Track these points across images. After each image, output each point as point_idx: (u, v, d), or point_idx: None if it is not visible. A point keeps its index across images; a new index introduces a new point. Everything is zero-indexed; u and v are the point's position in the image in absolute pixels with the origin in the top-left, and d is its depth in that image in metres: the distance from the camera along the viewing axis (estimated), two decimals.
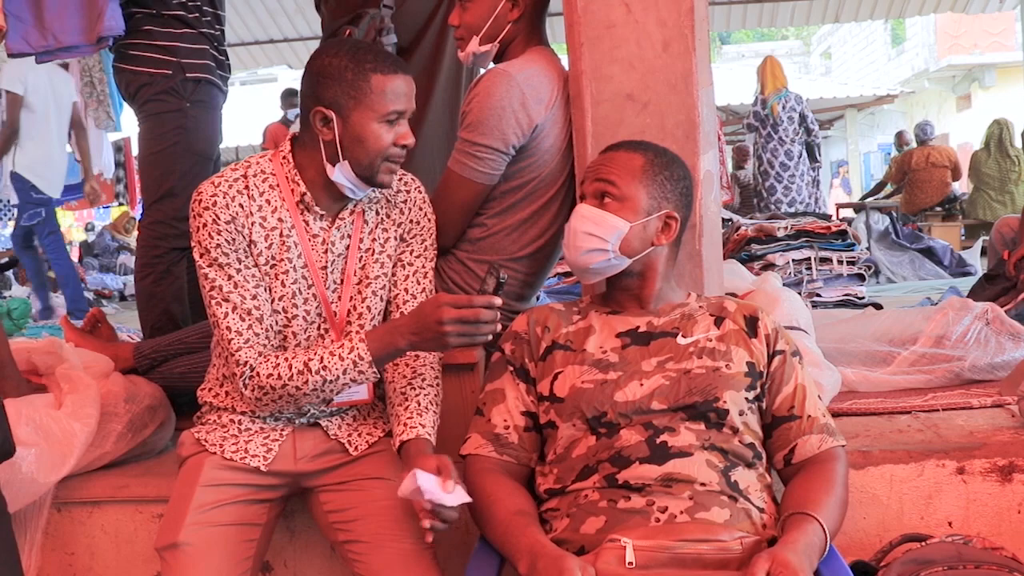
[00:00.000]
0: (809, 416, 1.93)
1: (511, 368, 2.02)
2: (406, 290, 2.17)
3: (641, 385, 1.88)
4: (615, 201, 1.96)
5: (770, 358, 1.95)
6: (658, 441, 1.82)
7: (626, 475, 1.80)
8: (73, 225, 20.19)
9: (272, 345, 2.07)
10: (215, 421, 2.16)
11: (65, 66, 8.30)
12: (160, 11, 3.24)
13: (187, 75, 3.24)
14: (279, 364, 1.99)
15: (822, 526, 1.72)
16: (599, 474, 1.83)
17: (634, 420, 1.85)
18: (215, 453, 2.10)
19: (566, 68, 2.52)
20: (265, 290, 2.07)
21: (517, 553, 1.73)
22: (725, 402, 1.85)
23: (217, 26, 3.43)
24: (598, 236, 1.95)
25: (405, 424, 2.03)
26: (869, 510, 2.31)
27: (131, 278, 11.56)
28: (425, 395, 2.09)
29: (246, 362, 2.00)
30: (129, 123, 10.07)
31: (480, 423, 2.01)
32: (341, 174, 2.03)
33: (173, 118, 3.26)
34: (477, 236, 2.51)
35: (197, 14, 3.30)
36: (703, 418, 1.84)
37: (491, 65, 2.54)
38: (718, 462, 1.82)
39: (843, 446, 1.94)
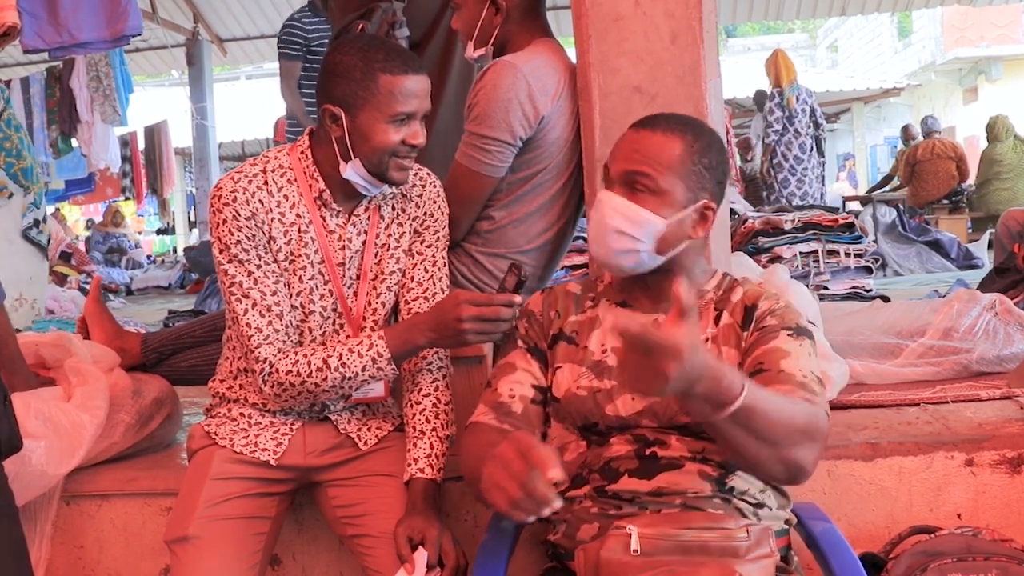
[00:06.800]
0: (781, 371, 1.70)
1: (524, 346, 1.95)
2: (412, 278, 2.17)
3: (632, 399, 1.80)
4: (650, 194, 1.76)
5: (752, 334, 1.79)
6: (647, 452, 1.78)
7: (615, 488, 1.77)
8: (79, 220, 20.25)
9: (291, 341, 2.07)
10: (225, 414, 2.16)
11: (72, 61, 8.32)
12: None
13: None
14: (298, 361, 2.00)
15: (741, 383, 1.51)
16: (589, 485, 1.80)
17: (625, 432, 1.81)
18: (225, 446, 2.10)
19: (572, 60, 2.52)
20: (284, 286, 2.07)
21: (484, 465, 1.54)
22: None
23: None
24: (631, 235, 1.76)
25: (412, 460, 2.07)
26: (878, 502, 2.31)
27: (138, 272, 11.63)
28: (429, 404, 2.12)
29: (265, 359, 2.01)
30: (135, 117, 10.10)
31: (487, 394, 1.94)
32: (354, 171, 2.03)
33: None
34: (485, 229, 2.51)
35: None
36: (694, 434, 1.78)
37: None
38: (712, 472, 1.76)
39: (824, 410, 1.69)
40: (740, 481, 1.77)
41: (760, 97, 10.49)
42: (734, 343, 1.81)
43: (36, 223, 6.55)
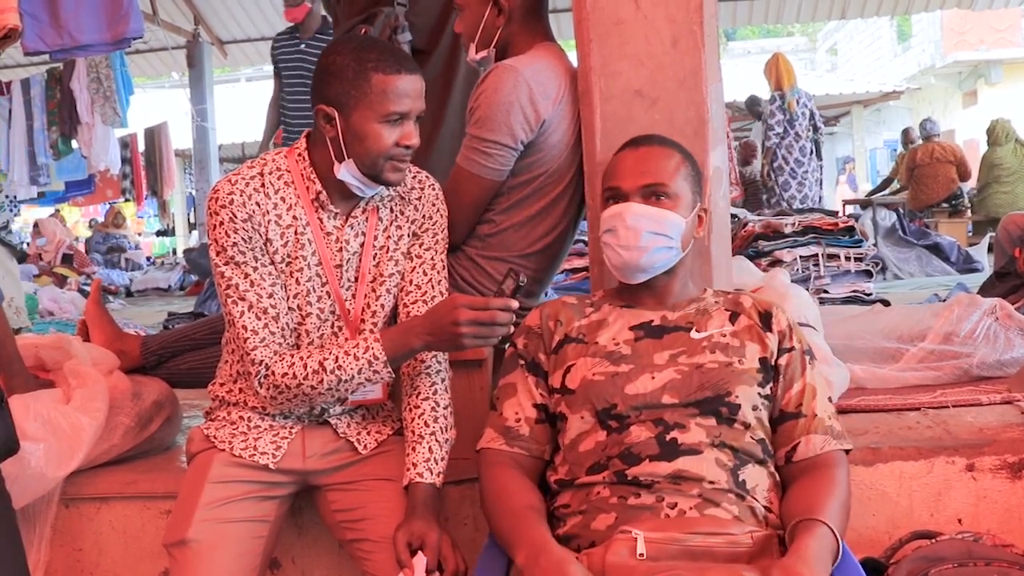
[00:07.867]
0: (815, 415, 1.90)
1: (523, 362, 2.01)
2: (411, 281, 2.16)
3: (652, 378, 1.87)
4: (669, 199, 1.95)
5: (780, 353, 1.94)
6: (668, 438, 1.82)
7: (635, 472, 1.80)
8: (80, 221, 20.25)
9: (288, 344, 2.07)
10: (224, 418, 2.16)
11: (72, 63, 8.31)
12: None
13: None
14: (294, 363, 1.99)
15: (831, 529, 1.68)
16: (609, 470, 1.83)
17: (644, 414, 1.84)
18: (224, 450, 2.10)
19: (573, 64, 2.52)
20: (281, 288, 2.06)
21: (520, 543, 1.73)
22: (737, 397, 1.84)
23: None
24: (665, 235, 1.93)
25: (411, 464, 2.06)
26: (879, 507, 2.30)
27: (137, 274, 11.62)
28: (428, 408, 2.11)
29: (261, 361, 2.00)
30: (135, 119, 10.11)
31: (493, 417, 2.02)
32: (347, 172, 2.02)
33: None
34: (486, 232, 2.51)
35: None
36: (715, 413, 1.84)
37: None
38: (727, 460, 1.81)
39: (847, 451, 1.91)
40: (750, 476, 1.82)
41: (752, 103, 10.49)
42: (757, 339, 1.94)
43: (7, 224, 6.62)
